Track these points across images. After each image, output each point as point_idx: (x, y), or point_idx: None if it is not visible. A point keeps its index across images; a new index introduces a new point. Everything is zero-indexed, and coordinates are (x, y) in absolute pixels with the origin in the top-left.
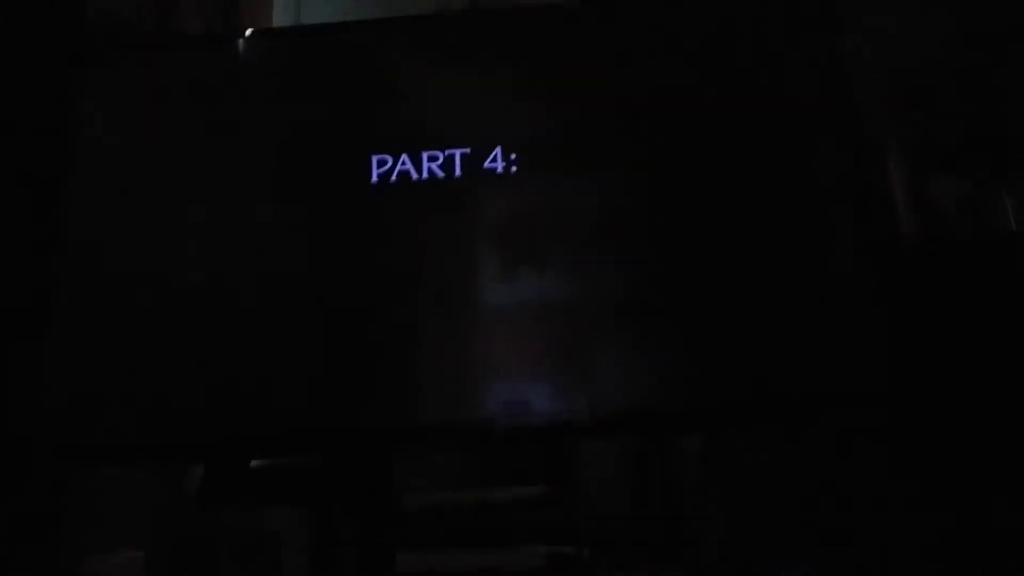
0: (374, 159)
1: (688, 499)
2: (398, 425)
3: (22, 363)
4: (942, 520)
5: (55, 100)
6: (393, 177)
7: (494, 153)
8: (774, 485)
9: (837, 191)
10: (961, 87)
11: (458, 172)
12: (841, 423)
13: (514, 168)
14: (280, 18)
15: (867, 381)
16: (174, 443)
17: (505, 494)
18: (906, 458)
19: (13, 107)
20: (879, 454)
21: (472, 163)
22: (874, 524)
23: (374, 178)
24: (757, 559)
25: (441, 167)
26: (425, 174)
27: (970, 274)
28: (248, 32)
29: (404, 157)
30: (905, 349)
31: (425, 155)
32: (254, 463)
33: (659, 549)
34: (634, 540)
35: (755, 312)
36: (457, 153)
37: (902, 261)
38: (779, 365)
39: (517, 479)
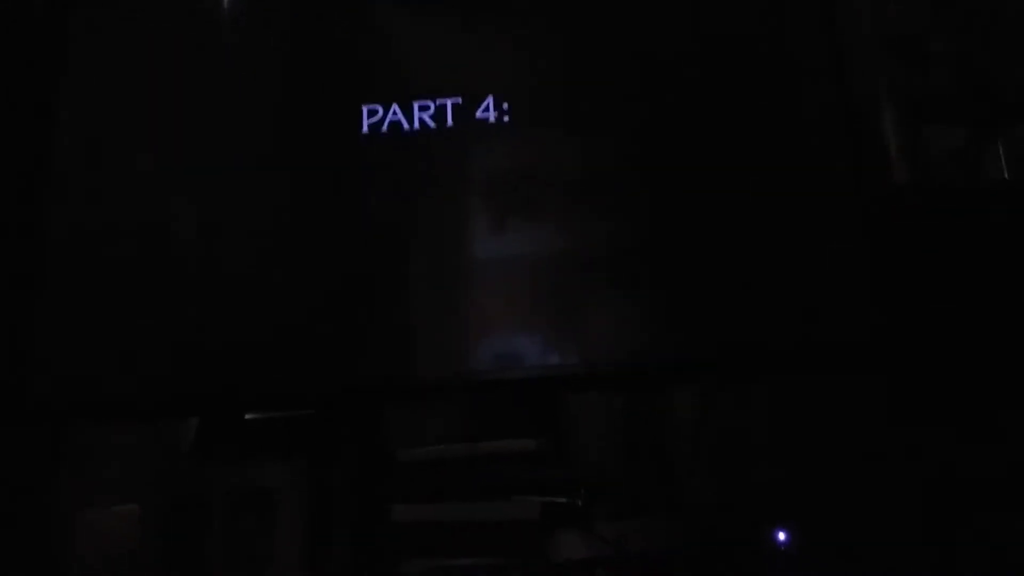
0: (364, 109)
1: (681, 451)
2: (391, 379)
3: (13, 319)
4: (937, 471)
5: (41, 40)
6: (384, 127)
7: (486, 103)
8: (768, 437)
9: (828, 140)
10: (952, 35)
11: (450, 122)
12: (836, 373)
13: (506, 118)
14: None
15: (859, 330)
16: (168, 398)
17: (499, 447)
18: (901, 409)
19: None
20: (874, 406)
21: (464, 113)
22: (869, 477)
23: (364, 128)
24: (750, 509)
25: (432, 117)
26: (416, 124)
27: (964, 222)
28: None
29: (395, 107)
30: (899, 298)
31: (416, 105)
32: (248, 417)
33: (653, 500)
34: (628, 491)
35: (747, 263)
36: (448, 103)
37: (895, 210)
38: (772, 316)
39: (510, 433)
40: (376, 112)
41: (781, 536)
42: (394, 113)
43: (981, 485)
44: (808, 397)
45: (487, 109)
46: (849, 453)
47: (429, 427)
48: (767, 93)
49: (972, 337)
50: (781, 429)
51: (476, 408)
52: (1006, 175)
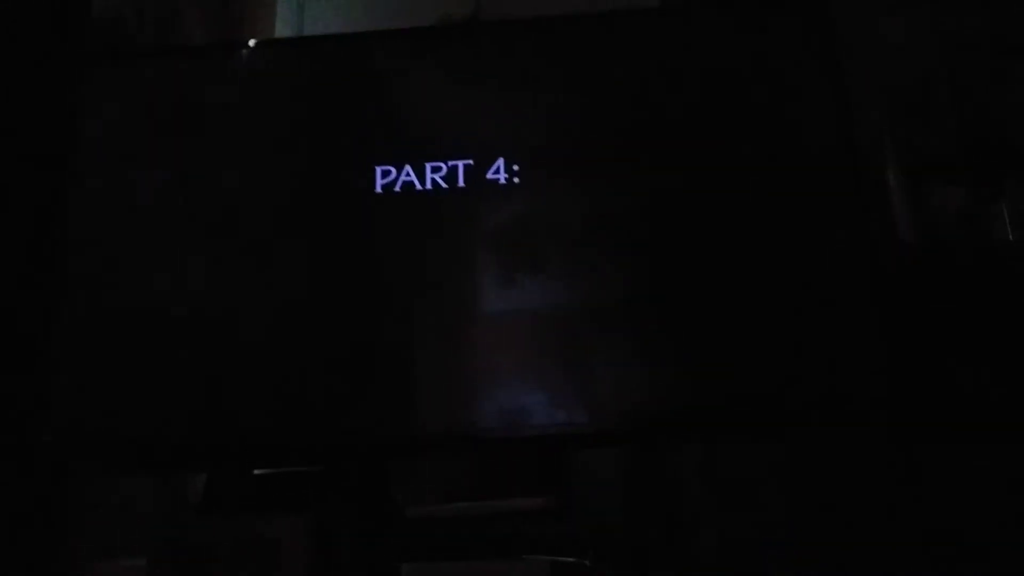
0: (378, 170)
1: (688, 507)
2: (398, 435)
3: (27, 370)
4: (942, 529)
5: (59, 108)
6: (397, 187)
7: (496, 164)
8: (773, 493)
9: (835, 200)
10: (958, 96)
11: (461, 183)
12: (841, 431)
13: (516, 179)
14: (283, 29)
15: (866, 389)
16: (177, 452)
17: (507, 505)
18: (906, 465)
19: (16, 113)
20: (880, 462)
21: (475, 174)
22: (874, 532)
23: (378, 188)
24: (755, 568)
25: (444, 178)
26: (428, 184)
27: (968, 283)
28: (251, 43)
29: (407, 168)
30: (904, 358)
31: (428, 166)
32: (256, 472)
33: (659, 558)
34: (634, 549)
35: (754, 321)
36: (460, 164)
37: (901, 270)
38: (778, 373)
39: (518, 489)
40: (389, 172)
41: None
42: (407, 173)
43: (990, 543)
44: (815, 454)
45: (497, 171)
46: (856, 510)
47: (436, 483)
48: (773, 150)
49: (978, 395)
50: (788, 487)
51: (483, 464)
52: (1010, 236)
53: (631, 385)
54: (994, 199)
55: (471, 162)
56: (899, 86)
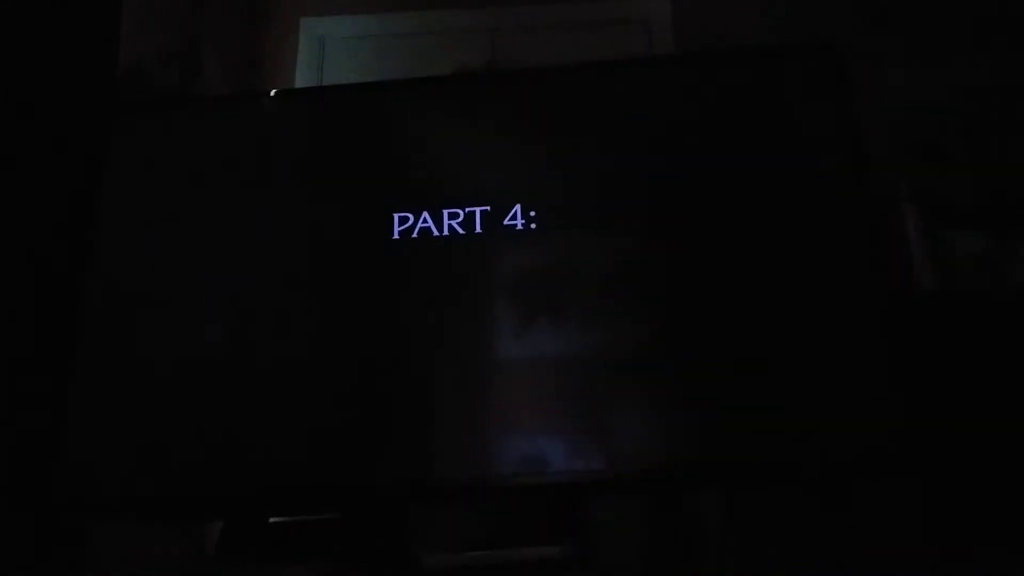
0: (395, 216)
1: (709, 556)
2: (415, 482)
3: (45, 419)
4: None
5: (85, 157)
6: (414, 233)
7: (513, 210)
8: (793, 541)
9: (852, 247)
10: (975, 142)
11: (478, 229)
12: (861, 479)
13: (533, 225)
14: (303, 78)
15: (886, 439)
16: (194, 500)
17: (525, 554)
18: (928, 512)
19: (44, 163)
20: (900, 511)
21: (491, 220)
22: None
23: (395, 234)
24: None
25: (461, 224)
26: (446, 231)
27: (987, 327)
28: (272, 92)
29: (425, 214)
30: (923, 404)
31: (446, 212)
32: (272, 520)
33: None
34: None
35: (773, 369)
36: (477, 211)
37: (919, 316)
38: (797, 422)
39: (535, 537)
40: (407, 219)
41: None
42: (424, 220)
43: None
44: (833, 502)
45: (514, 217)
46: (876, 556)
47: (453, 531)
48: (790, 201)
49: (999, 442)
50: (806, 534)
51: (501, 512)
52: None
53: (649, 433)
54: (1012, 244)
55: (488, 208)
56: (917, 132)
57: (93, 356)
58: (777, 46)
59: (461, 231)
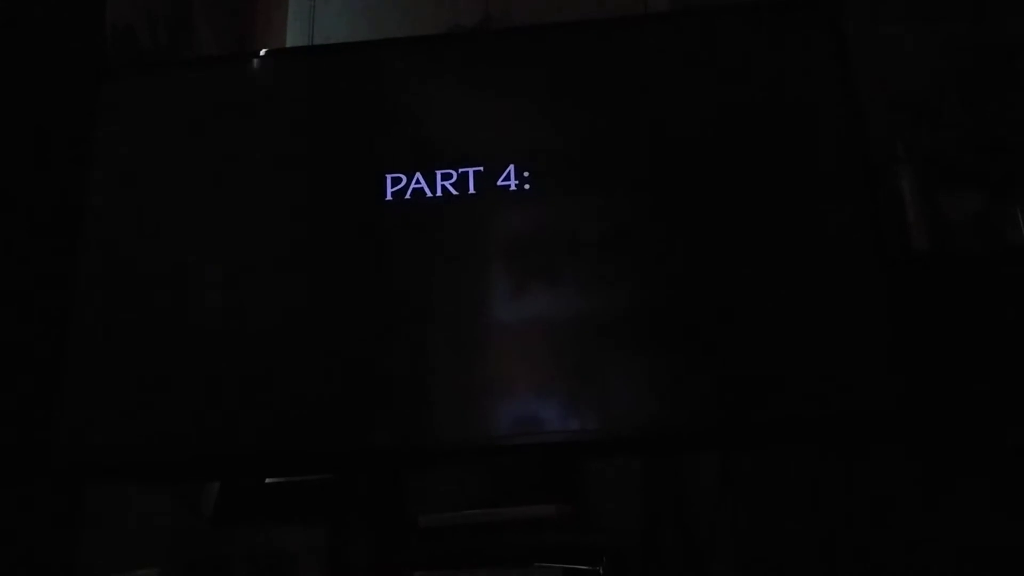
0: (388, 177)
1: (703, 515)
2: (411, 444)
3: (40, 383)
4: (970, 546)
5: (74, 117)
6: (407, 195)
7: (507, 171)
8: (788, 501)
9: (847, 207)
10: (972, 101)
11: (471, 190)
12: (856, 439)
13: (527, 186)
14: (294, 38)
15: (880, 397)
16: (190, 461)
17: (520, 512)
18: (921, 471)
19: (33, 123)
20: (894, 470)
21: (485, 181)
22: (890, 540)
23: (388, 196)
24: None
25: (454, 185)
26: (439, 192)
27: (983, 287)
28: (262, 52)
29: (418, 175)
30: (918, 363)
31: (439, 173)
32: (268, 481)
33: (674, 566)
34: (649, 557)
35: (768, 328)
36: (471, 171)
37: (915, 275)
38: (792, 381)
39: (530, 498)
40: (400, 180)
41: None
42: (417, 181)
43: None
44: (830, 463)
45: (508, 177)
46: (872, 519)
47: (448, 492)
48: (786, 159)
49: (994, 403)
50: (803, 495)
51: (496, 472)
52: None
53: (644, 394)
54: (1009, 203)
55: (481, 169)
56: (913, 91)
57: (89, 320)
58: (772, 2)
59: (454, 192)
